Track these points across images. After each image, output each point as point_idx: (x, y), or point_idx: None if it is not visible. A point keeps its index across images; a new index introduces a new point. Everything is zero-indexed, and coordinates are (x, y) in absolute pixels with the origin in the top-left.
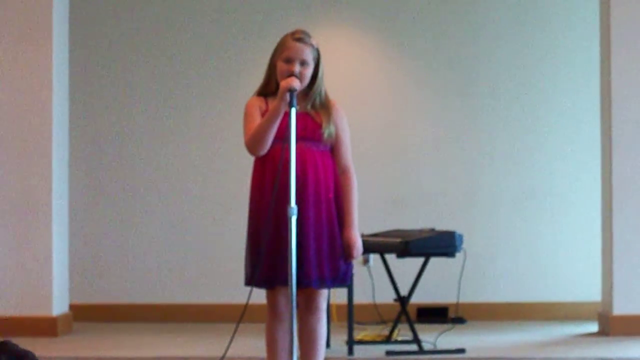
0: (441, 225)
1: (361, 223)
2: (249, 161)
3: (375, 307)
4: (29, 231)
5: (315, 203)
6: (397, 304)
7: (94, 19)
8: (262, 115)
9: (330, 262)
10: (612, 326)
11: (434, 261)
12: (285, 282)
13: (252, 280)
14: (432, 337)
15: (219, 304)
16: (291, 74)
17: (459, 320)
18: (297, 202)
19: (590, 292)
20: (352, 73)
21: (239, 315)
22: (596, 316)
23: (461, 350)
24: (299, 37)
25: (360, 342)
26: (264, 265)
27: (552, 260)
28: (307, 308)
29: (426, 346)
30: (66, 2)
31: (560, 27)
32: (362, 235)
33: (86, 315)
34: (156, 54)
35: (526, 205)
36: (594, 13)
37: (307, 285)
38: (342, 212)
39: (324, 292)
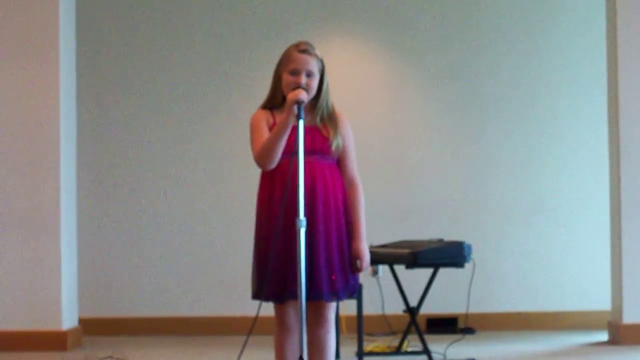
0: (450, 236)
1: (369, 234)
2: (256, 173)
3: (384, 318)
4: (37, 246)
5: (324, 216)
6: (407, 314)
7: (100, 30)
8: (270, 128)
9: (341, 274)
10: (622, 335)
11: (443, 271)
12: (296, 295)
13: (260, 294)
14: (442, 347)
15: (228, 316)
16: (298, 86)
17: (469, 331)
18: (306, 216)
19: (599, 301)
20: (356, 85)
21: (248, 328)
22: (606, 325)
23: None
24: (304, 48)
25: (370, 353)
26: (273, 279)
27: (561, 269)
28: (315, 320)
29: (436, 357)
30: (72, 12)
31: (566, 36)
32: (371, 247)
33: (95, 329)
34: (163, 66)
35: (534, 215)
36: (600, 21)
37: (319, 298)
38: (350, 224)
39: (332, 304)
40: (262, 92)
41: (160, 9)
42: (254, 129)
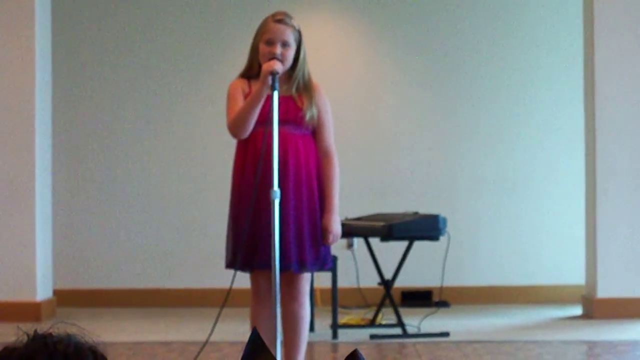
0: (425, 210)
1: (345, 207)
2: (231, 145)
3: (359, 291)
4: (12, 217)
5: (295, 187)
6: (381, 287)
7: (76, 8)
8: (245, 97)
9: (311, 246)
10: (595, 309)
11: (417, 245)
12: (263, 265)
13: (233, 263)
14: (416, 320)
15: (202, 288)
16: (273, 56)
17: (443, 304)
18: (278, 186)
19: (574, 275)
20: (333, 58)
21: (222, 300)
22: (580, 299)
23: (445, 334)
24: (279, 18)
25: (345, 326)
26: (244, 249)
27: (536, 243)
28: (289, 292)
29: (410, 330)
30: None
31: (541, 13)
32: (346, 219)
33: (70, 300)
34: (138, 43)
35: (509, 189)
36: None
37: (287, 269)
38: (322, 196)
39: (306, 276)
40: (238, 66)
41: None
42: (229, 98)
